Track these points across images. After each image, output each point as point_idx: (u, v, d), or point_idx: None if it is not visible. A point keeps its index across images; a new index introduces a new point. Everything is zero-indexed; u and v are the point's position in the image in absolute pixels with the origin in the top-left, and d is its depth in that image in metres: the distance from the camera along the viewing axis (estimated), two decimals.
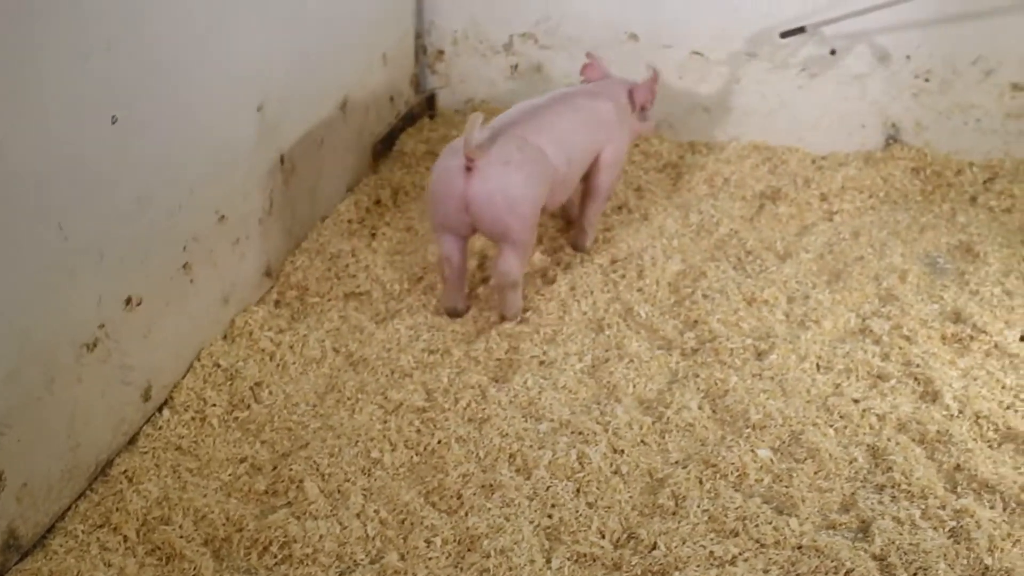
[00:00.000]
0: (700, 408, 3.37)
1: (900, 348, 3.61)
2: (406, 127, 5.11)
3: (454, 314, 3.89)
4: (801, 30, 4.66)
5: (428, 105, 5.34)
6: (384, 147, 4.90)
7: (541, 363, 3.59)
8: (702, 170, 4.80)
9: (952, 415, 3.29)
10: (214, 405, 3.37)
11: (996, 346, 3.63)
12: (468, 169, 3.58)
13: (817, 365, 3.56)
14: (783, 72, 4.92)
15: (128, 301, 3.12)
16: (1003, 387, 3.44)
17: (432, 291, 3.96)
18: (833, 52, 4.71)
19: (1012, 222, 4.44)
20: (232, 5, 3.51)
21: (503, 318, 3.83)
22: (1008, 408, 3.34)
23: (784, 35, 4.70)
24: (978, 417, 3.28)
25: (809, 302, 3.89)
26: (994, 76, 4.77)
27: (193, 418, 3.32)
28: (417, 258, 4.19)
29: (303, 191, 4.15)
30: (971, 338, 3.66)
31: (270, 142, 3.84)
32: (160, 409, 3.35)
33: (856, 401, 3.36)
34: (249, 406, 3.41)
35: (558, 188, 3.87)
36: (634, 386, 3.49)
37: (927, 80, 4.83)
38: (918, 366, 3.51)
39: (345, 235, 4.27)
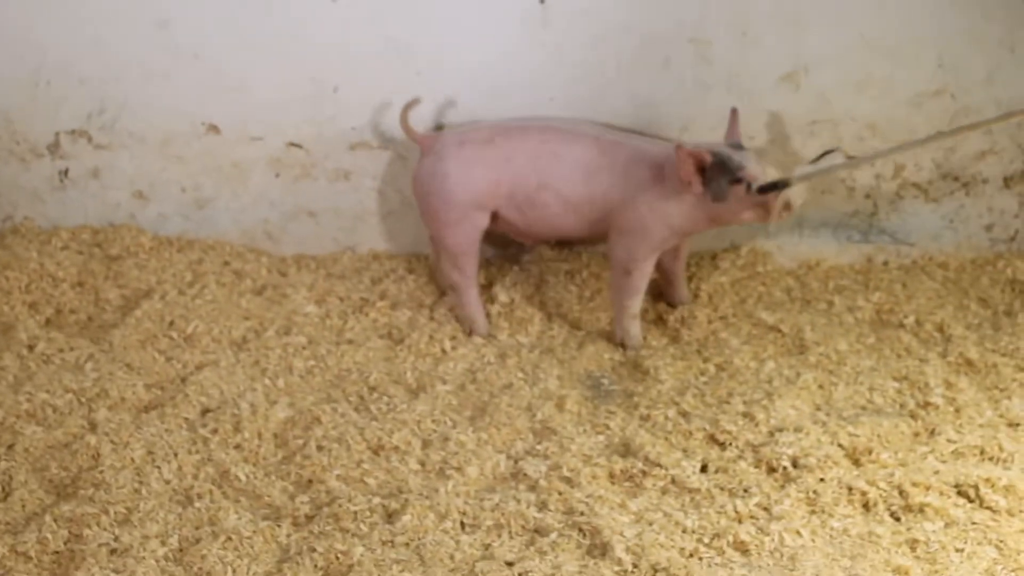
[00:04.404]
0: None
1: (560, 493, 3.45)
2: None
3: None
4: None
5: None
6: None
7: (112, 552, 3.27)
8: (302, 288, 4.45)
9: (626, 570, 3.15)
10: None
11: (673, 481, 3.52)
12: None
13: (461, 523, 3.38)
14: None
15: None
16: (684, 531, 3.30)
17: None
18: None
19: (688, 331, 4.31)
20: None
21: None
22: (691, 556, 3.20)
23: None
24: (656, 570, 3.12)
25: (449, 445, 3.71)
26: None
27: None
28: None
29: None
30: (644, 474, 3.54)
31: None
32: None
33: (510, 564, 3.18)
34: None
35: (536, 213, 3.99)
36: (234, 570, 3.21)
37: None
38: (583, 514, 3.35)
39: None
